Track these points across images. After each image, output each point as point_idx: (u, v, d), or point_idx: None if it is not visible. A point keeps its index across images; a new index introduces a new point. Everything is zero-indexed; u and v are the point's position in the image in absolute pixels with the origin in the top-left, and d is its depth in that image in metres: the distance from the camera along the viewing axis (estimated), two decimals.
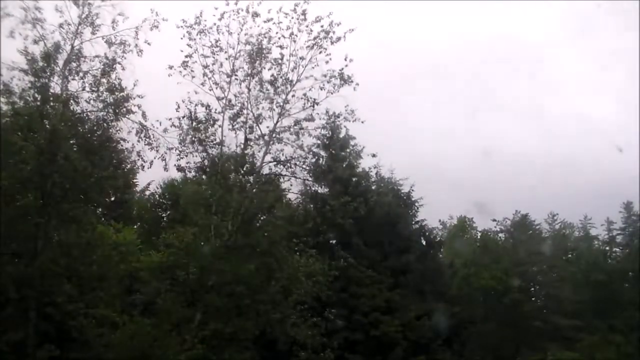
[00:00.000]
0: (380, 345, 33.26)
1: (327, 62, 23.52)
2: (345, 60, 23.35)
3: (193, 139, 23.44)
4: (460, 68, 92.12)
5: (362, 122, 24.06)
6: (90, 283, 22.25)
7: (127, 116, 22.04)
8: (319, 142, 26.84)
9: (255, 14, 23.49)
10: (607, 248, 49.49)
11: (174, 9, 24.07)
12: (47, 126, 20.90)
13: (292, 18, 23.43)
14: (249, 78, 23.98)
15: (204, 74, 23.79)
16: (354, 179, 35.15)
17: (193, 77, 23.75)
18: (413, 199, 39.93)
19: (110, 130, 22.27)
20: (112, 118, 21.98)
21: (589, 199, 70.66)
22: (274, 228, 24.12)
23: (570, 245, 51.61)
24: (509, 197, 60.77)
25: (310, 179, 25.13)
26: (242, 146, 24.12)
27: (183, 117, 23.48)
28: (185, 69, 23.69)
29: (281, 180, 24.96)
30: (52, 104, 21.38)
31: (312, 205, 30.72)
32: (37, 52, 21.18)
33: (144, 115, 22.24)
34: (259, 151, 24.25)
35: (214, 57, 23.81)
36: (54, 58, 21.25)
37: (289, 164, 24.06)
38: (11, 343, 20.41)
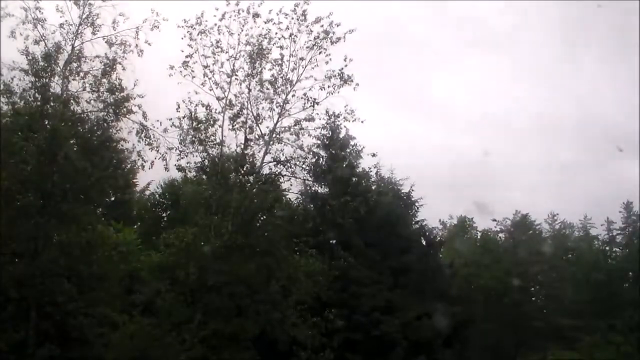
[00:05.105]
0: (381, 345, 33.18)
1: (327, 62, 23.63)
2: (345, 60, 23.45)
3: (193, 139, 23.51)
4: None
5: (362, 121, 24.14)
6: (91, 283, 22.23)
7: (127, 116, 22.11)
8: (319, 142, 26.85)
9: (256, 15, 23.58)
10: (607, 248, 49.44)
11: (175, 9, 24.18)
12: (48, 126, 20.94)
13: (292, 18, 23.53)
14: (249, 78, 24.05)
15: (204, 74, 23.90)
16: (354, 179, 35.11)
17: (193, 77, 23.86)
18: (413, 199, 39.88)
19: (111, 131, 22.32)
20: (112, 118, 22.03)
21: (589, 199, 70.71)
22: (273, 228, 24.17)
23: (570, 245, 51.56)
24: (509, 197, 60.82)
25: (310, 179, 25.16)
26: (242, 146, 24.21)
27: (183, 117, 23.58)
28: (185, 69, 23.79)
29: (281, 180, 25.02)
30: (52, 104, 21.41)
31: (312, 205, 30.70)
32: (38, 52, 21.27)
33: (144, 115, 22.32)
34: (259, 151, 24.35)
35: (214, 58, 23.91)
36: (55, 58, 21.29)
37: (289, 164, 24.11)
38: (11, 343, 20.40)
